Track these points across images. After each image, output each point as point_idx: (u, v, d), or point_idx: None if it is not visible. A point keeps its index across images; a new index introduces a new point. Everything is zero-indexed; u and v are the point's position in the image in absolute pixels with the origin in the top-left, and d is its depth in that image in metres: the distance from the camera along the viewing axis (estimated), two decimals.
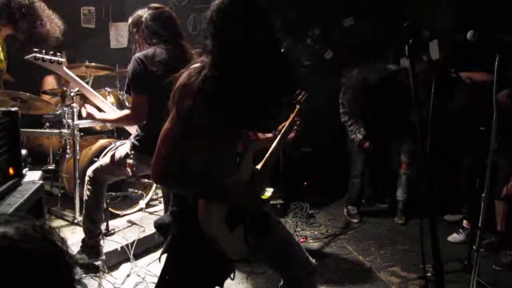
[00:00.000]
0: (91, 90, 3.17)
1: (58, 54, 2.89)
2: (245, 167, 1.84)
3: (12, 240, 0.91)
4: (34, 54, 2.78)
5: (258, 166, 2.00)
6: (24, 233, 0.93)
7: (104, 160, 3.09)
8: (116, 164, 2.96)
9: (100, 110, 3.13)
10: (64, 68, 2.93)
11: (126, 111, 2.86)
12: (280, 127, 2.18)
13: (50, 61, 2.83)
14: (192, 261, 1.77)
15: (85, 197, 3.10)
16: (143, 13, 2.78)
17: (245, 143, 1.87)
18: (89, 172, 3.06)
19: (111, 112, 3.16)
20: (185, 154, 1.59)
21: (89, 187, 3.06)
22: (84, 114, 2.95)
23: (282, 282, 2.11)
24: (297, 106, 2.28)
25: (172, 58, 2.67)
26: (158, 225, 1.90)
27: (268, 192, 2.00)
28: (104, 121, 3.05)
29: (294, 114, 2.24)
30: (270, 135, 2.17)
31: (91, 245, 3.14)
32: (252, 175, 1.89)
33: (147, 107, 2.71)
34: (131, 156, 2.86)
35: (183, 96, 1.58)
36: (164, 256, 1.85)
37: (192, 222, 1.69)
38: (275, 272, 2.15)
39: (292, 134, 2.19)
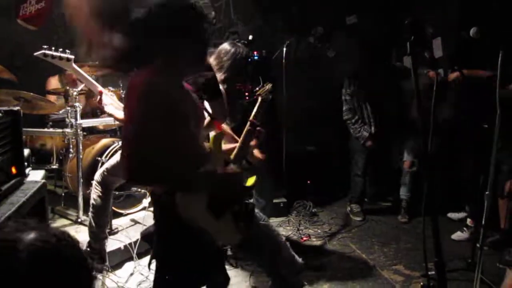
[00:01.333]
0: (101, 87, 3.09)
1: (67, 51, 2.85)
2: (215, 156, 1.86)
3: (52, 245, 0.95)
4: (43, 51, 2.73)
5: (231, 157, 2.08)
6: (60, 239, 0.98)
7: (109, 163, 3.07)
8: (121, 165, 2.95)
9: None
10: (74, 65, 2.88)
11: None
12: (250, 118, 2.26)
13: (60, 58, 2.78)
14: (181, 259, 1.75)
15: (92, 201, 3.08)
16: None
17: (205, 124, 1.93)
18: (96, 176, 3.06)
19: (119, 111, 3.07)
20: (153, 149, 1.56)
21: (96, 191, 3.04)
22: (107, 111, 2.84)
23: (270, 282, 2.12)
24: (260, 98, 2.32)
25: None
26: (144, 235, 1.91)
27: (251, 180, 2.05)
28: (111, 115, 2.87)
29: (257, 106, 2.31)
30: (225, 126, 2.26)
31: (96, 250, 3.13)
32: (226, 165, 1.92)
33: None
34: None
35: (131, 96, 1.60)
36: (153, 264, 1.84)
37: (171, 219, 1.68)
38: (262, 270, 2.15)
39: (253, 142, 2.23)
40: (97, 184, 3.04)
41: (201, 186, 1.69)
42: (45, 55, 2.74)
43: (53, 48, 2.78)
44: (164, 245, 1.78)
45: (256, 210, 2.08)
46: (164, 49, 1.65)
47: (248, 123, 2.23)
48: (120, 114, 2.88)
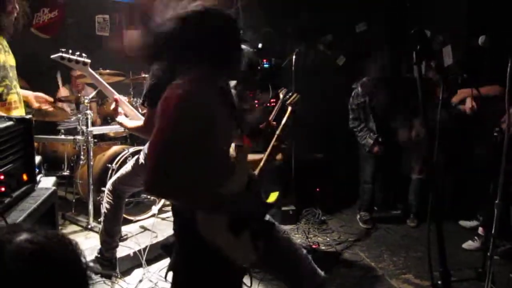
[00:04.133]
0: (117, 94, 3.00)
1: (84, 55, 2.84)
2: (239, 174, 1.82)
3: (40, 245, 0.94)
4: (60, 54, 2.72)
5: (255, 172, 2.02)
6: (51, 240, 0.97)
7: (120, 172, 3.09)
8: (132, 174, 2.97)
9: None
10: (90, 69, 2.87)
11: (140, 122, 2.71)
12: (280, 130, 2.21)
13: (76, 61, 2.77)
14: (198, 274, 1.74)
15: (103, 210, 3.10)
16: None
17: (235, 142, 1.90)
18: (108, 185, 3.07)
19: (130, 120, 2.93)
20: (176, 163, 1.54)
21: (108, 199, 3.05)
22: (118, 120, 2.81)
23: None
24: (289, 108, 2.30)
25: None
26: (162, 245, 1.92)
27: (273, 196, 2.02)
28: (120, 124, 2.83)
29: (286, 116, 2.29)
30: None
31: (107, 257, 3.15)
32: (249, 182, 1.87)
33: None
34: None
35: (166, 108, 1.60)
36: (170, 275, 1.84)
37: (192, 236, 1.66)
38: (284, 284, 2.14)
39: (279, 156, 2.20)
40: (109, 193, 3.05)
41: (219, 205, 1.68)
42: (62, 58, 2.71)
43: (70, 51, 2.78)
44: (184, 260, 1.77)
45: (276, 223, 2.06)
46: (202, 56, 1.64)
47: (275, 137, 2.19)
48: (130, 123, 2.86)
